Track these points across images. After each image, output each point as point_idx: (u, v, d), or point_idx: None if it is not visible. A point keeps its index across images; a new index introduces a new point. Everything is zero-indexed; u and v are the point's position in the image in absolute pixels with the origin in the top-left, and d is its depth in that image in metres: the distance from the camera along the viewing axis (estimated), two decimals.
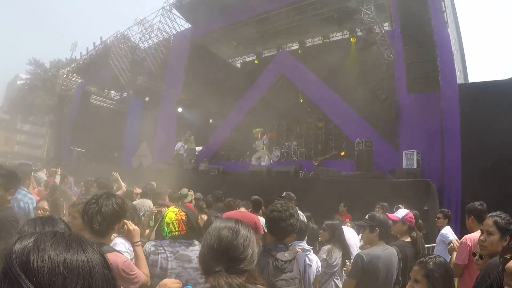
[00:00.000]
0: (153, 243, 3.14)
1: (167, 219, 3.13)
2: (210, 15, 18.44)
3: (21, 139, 64.49)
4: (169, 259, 3.01)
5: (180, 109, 19.68)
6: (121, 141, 23.79)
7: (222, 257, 1.68)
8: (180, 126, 19.06)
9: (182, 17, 21.25)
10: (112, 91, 31.68)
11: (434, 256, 2.49)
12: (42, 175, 8.59)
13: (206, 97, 17.95)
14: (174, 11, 20.97)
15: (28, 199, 4.34)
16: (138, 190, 7.95)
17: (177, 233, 3.09)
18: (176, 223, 3.11)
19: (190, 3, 19.27)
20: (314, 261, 3.81)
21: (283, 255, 2.92)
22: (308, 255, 3.80)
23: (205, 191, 9.62)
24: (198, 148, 18.55)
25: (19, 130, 63.72)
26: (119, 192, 6.64)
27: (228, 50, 22.35)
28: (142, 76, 19.84)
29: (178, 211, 3.19)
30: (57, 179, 8.00)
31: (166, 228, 3.10)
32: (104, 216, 2.66)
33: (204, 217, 7.09)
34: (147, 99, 21.23)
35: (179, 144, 17.42)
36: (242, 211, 6.31)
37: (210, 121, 21.56)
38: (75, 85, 30.17)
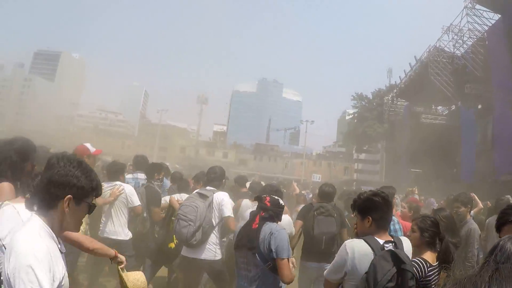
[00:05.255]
0: None
1: None
2: None
3: (359, 167, 70.67)
4: None
5: None
6: (458, 156, 22.98)
7: None
8: None
9: (488, 10, 19.56)
10: (439, 107, 31.36)
11: None
12: None
13: None
14: (478, 6, 19.71)
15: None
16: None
17: None
18: None
19: None
20: None
21: None
22: None
23: None
24: None
25: (356, 159, 70.21)
26: (475, 210, 6.42)
27: None
28: (468, 84, 18.89)
29: None
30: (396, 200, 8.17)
31: None
32: None
33: None
34: (479, 106, 19.98)
35: None
36: None
37: None
38: (402, 109, 31.52)
